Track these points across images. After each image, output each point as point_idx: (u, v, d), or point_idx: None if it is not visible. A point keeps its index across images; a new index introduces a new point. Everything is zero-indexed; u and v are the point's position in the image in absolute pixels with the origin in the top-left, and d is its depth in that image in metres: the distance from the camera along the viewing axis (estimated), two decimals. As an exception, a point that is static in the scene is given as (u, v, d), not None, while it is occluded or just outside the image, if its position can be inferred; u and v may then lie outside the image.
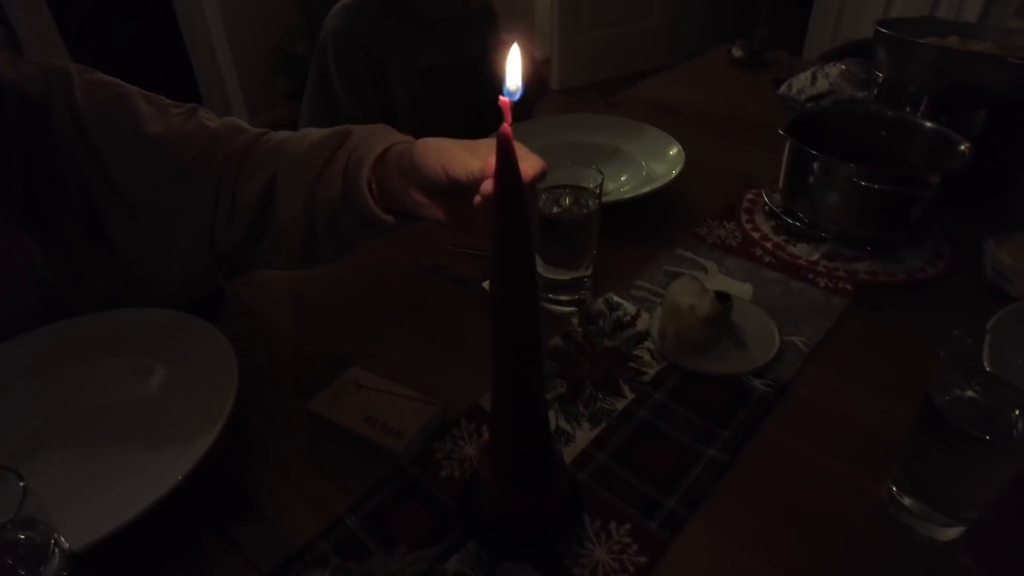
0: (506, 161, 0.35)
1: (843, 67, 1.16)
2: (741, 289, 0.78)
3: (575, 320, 0.74)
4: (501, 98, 0.36)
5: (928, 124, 0.87)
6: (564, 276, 0.74)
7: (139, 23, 3.12)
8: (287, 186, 0.63)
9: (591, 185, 0.72)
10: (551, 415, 0.62)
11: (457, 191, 0.50)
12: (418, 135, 1.16)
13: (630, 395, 0.64)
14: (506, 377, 0.43)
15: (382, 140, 0.59)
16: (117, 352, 0.66)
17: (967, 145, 0.81)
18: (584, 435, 0.60)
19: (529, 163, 0.47)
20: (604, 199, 0.72)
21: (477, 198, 0.47)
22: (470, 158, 0.49)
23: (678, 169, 0.93)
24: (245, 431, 0.63)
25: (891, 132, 0.92)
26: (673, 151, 0.98)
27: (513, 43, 0.39)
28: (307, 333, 0.76)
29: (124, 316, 0.69)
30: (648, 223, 0.92)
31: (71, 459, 0.58)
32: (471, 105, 1.19)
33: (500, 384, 0.44)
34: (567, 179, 0.74)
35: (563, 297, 0.76)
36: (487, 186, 0.46)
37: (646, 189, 0.89)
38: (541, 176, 0.47)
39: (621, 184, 0.97)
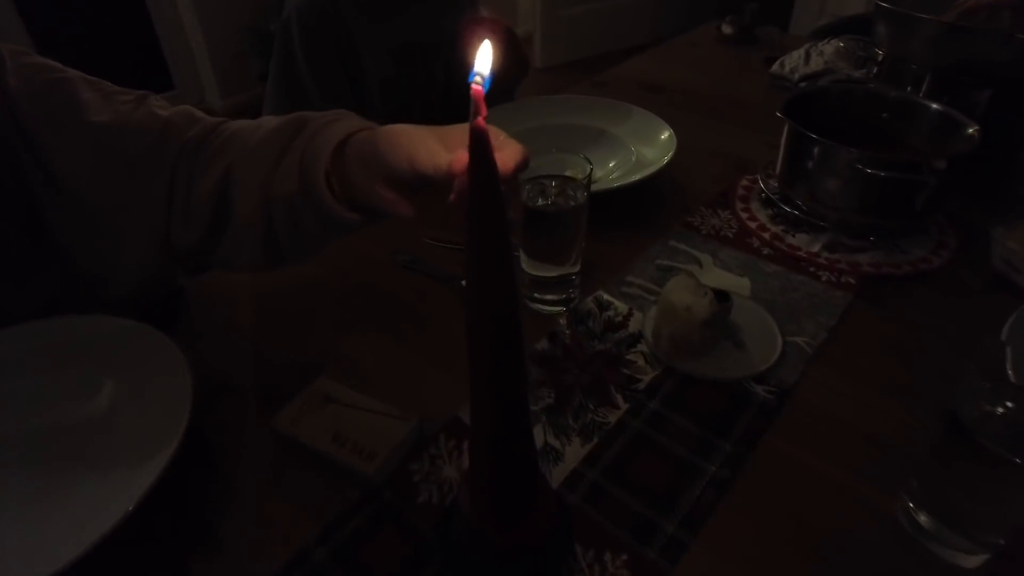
0: (481, 160, 0.29)
1: (840, 44, 1.11)
2: (738, 284, 0.74)
3: (562, 321, 0.69)
4: (473, 86, 0.30)
5: (933, 105, 0.82)
6: (550, 272, 0.69)
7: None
8: (242, 181, 0.57)
9: (579, 176, 0.66)
10: (538, 430, 0.57)
11: (427, 185, 0.44)
12: (391, 118, 1.08)
13: (623, 405, 0.59)
14: (486, 405, 0.38)
15: (342, 128, 0.53)
16: (60, 365, 0.60)
17: (975, 128, 0.77)
18: (574, 452, 0.55)
19: (508, 153, 0.41)
20: (592, 187, 0.66)
21: (451, 196, 0.41)
22: (439, 149, 0.43)
23: (670, 155, 0.87)
24: (202, 451, 0.57)
25: (893, 113, 0.87)
26: (664, 135, 0.93)
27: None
28: (272, 337, 0.70)
29: (69, 325, 0.63)
30: (638, 212, 0.87)
31: (5, 487, 0.52)
32: (448, 85, 1.12)
33: (479, 414, 0.39)
34: (552, 168, 0.68)
35: (549, 296, 0.70)
36: (460, 184, 0.40)
37: (636, 177, 0.84)
38: (523, 166, 0.41)
39: (610, 171, 0.92)
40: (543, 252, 0.69)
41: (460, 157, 0.40)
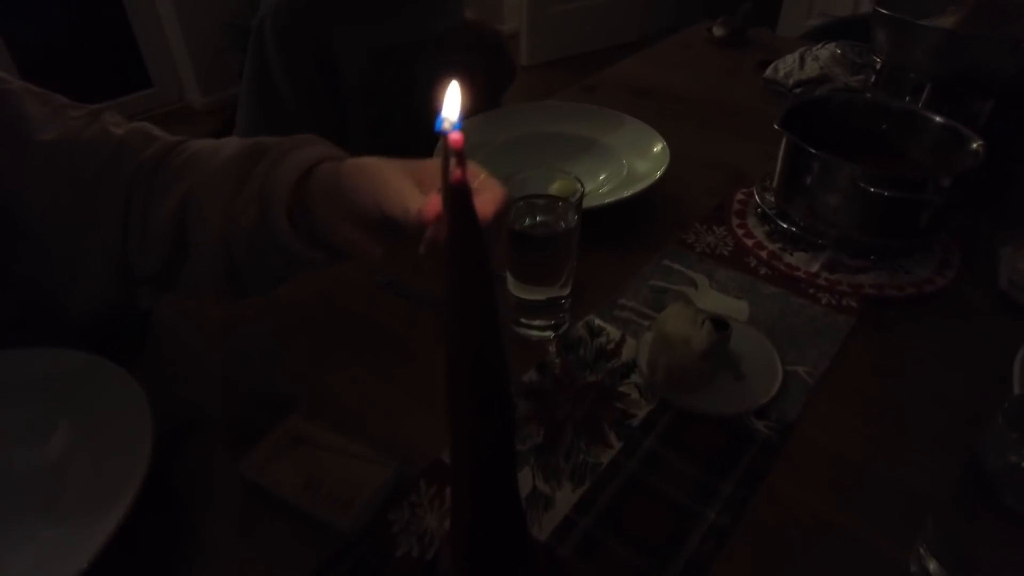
0: (463, 222, 0.25)
1: (838, 50, 1.07)
2: (736, 307, 0.70)
3: (552, 348, 0.65)
4: (450, 135, 0.26)
5: (937, 118, 0.79)
6: (539, 296, 0.65)
7: (77, -6, 2.89)
8: (200, 210, 0.52)
9: (569, 194, 0.62)
10: (526, 473, 0.53)
11: (396, 228, 0.40)
12: (372, 123, 1.04)
13: (617, 444, 0.56)
14: (468, 470, 0.34)
15: (304, 157, 0.48)
16: (7, 406, 0.55)
17: (979, 143, 0.74)
18: (565, 497, 0.52)
19: (486, 198, 0.37)
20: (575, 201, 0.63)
21: (421, 247, 0.37)
22: (410, 189, 0.39)
23: (663, 169, 0.83)
24: (165, 497, 0.53)
25: (894, 125, 0.84)
26: (657, 148, 0.89)
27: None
28: (241, 367, 0.65)
29: (16, 361, 0.58)
30: (630, 228, 0.83)
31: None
32: (433, 87, 1.08)
33: (462, 476, 0.35)
34: (541, 181, 0.65)
35: (537, 321, 0.66)
36: (433, 233, 0.36)
37: (628, 192, 0.80)
38: (503, 212, 0.38)
39: (600, 184, 0.88)
40: (531, 274, 0.65)
41: (432, 204, 0.36)
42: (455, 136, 0.25)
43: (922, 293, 0.72)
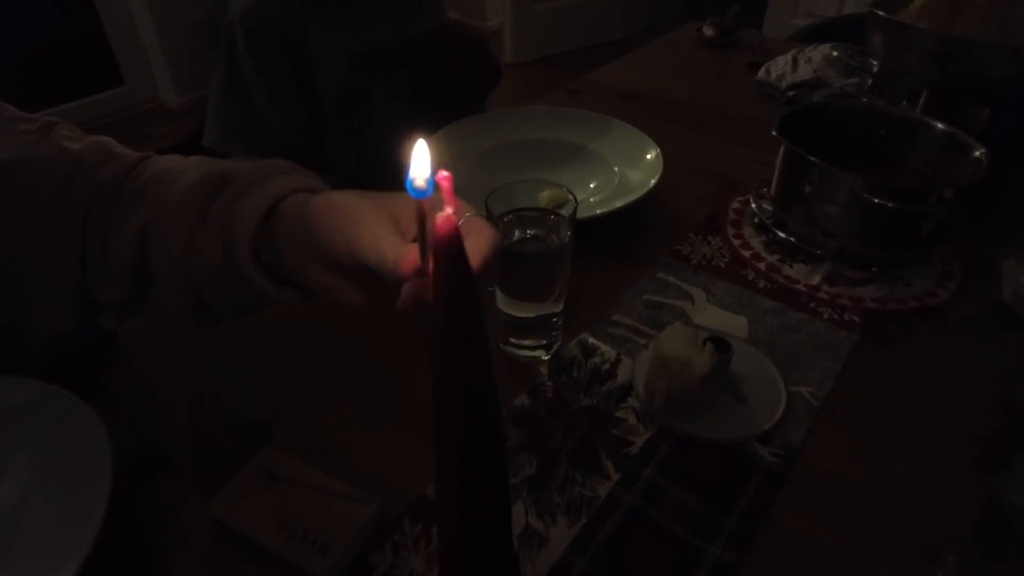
0: (455, 287, 0.21)
1: (833, 52, 1.05)
2: (735, 324, 0.67)
3: (543, 370, 0.62)
4: (440, 176, 0.22)
5: (939, 125, 0.77)
6: (529, 313, 0.62)
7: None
8: (162, 244, 0.48)
9: (562, 209, 0.59)
10: (519, 509, 0.50)
11: (373, 274, 0.36)
12: (352, 128, 1.00)
13: (614, 475, 0.52)
14: (457, 519, 0.31)
15: (269, 190, 0.43)
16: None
17: (982, 151, 0.72)
18: (560, 535, 0.48)
19: (473, 244, 0.33)
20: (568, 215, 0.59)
21: (400, 302, 0.33)
22: (385, 236, 0.35)
23: (656, 177, 0.80)
24: (128, 540, 0.49)
25: (892, 131, 0.81)
26: (651, 155, 0.86)
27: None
28: (210, 393, 0.61)
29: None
30: (622, 238, 0.80)
31: None
32: (415, 95, 1.04)
33: (449, 527, 0.32)
34: (530, 191, 0.61)
35: (528, 340, 0.63)
36: (411, 290, 0.32)
37: (621, 202, 0.77)
38: (493, 260, 0.34)
39: (591, 192, 0.84)
40: (522, 291, 0.61)
41: (410, 256, 0.31)
42: (444, 178, 0.22)
43: (925, 307, 0.69)
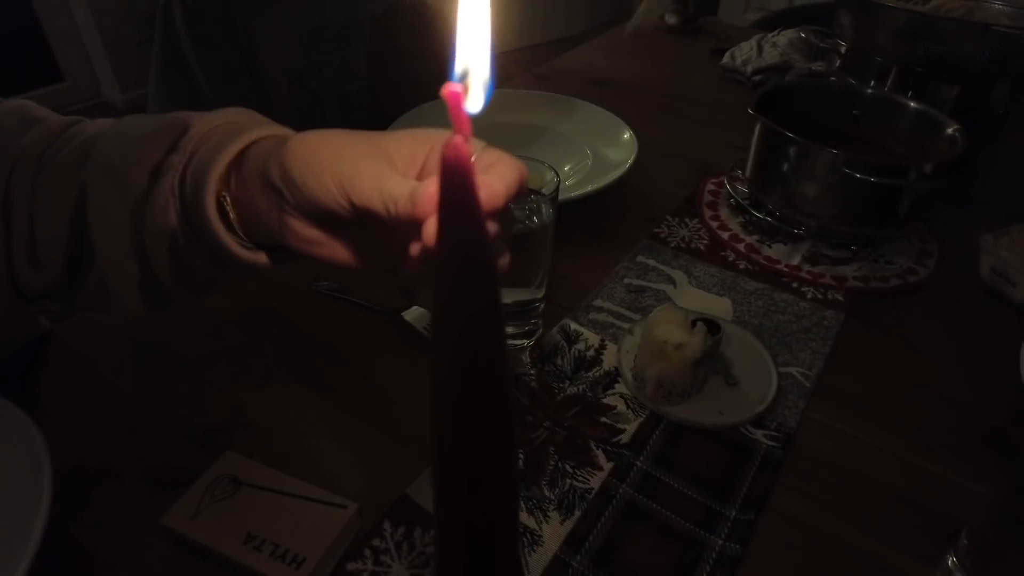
0: (458, 210, 0.18)
1: (801, 35, 1.04)
2: (720, 306, 0.65)
3: (526, 358, 0.59)
4: (448, 89, 0.18)
5: (912, 104, 0.76)
6: (509, 299, 0.58)
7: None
8: (101, 210, 0.42)
9: (542, 187, 0.56)
10: (508, 506, 0.46)
11: (367, 222, 0.31)
12: (302, 112, 0.94)
13: (606, 465, 0.49)
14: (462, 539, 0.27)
15: (236, 134, 0.37)
16: None
17: (956, 128, 0.71)
18: (554, 532, 0.45)
19: (496, 175, 0.28)
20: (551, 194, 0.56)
21: (414, 247, 0.28)
22: (386, 172, 0.30)
23: (633, 157, 0.78)
24: (70, 560, 0.44)
25: (866, 110, 0.81)
26: (625, 135, 0.83)
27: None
28: (163, 396, 0.56)
29: None
30: (598, 223, 0.77)
31: None
32: (372, 76, 0.98)
33: (447, 535, 0.28)
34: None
35: (509, 328, 0.60)
36: (431, 229, 0.27)
37: (599, 183, 0.74)
38: (521, 190, 0.29)
39: (566, 175, 0.81)
40: (502, 276, 0.58)
41: (429, 191, 0.27)
42: (454, 92, 0.18)
43: (906, 284, 0.68)
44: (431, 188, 0.27)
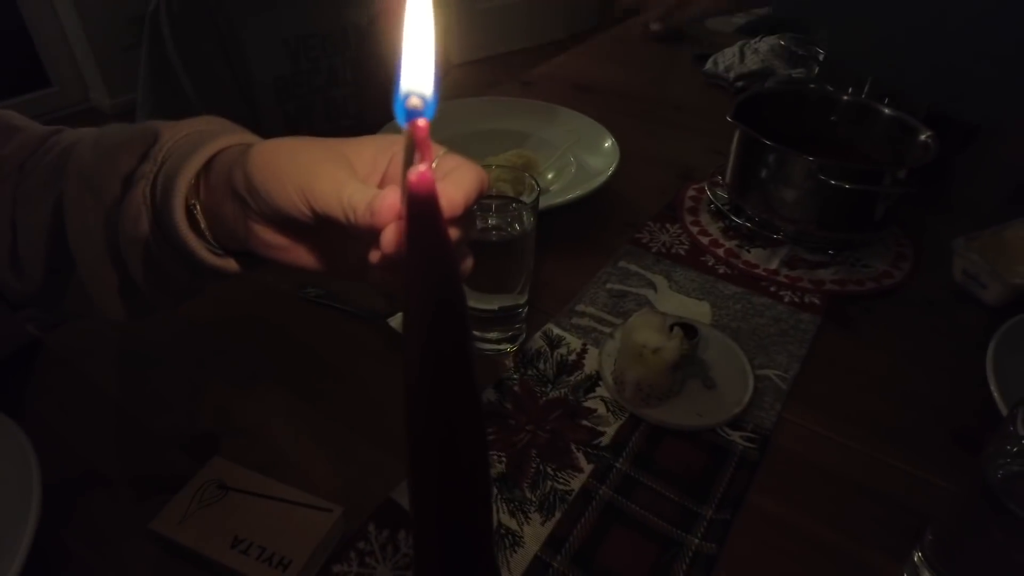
0: (425, 233, 0.19)
1: (780, 42, 1.06)
2: (698, 310, 0.66)
3: (509, 363, 0.60)
4: (415, 124, 0.20)
5: (887, 110, 0.78)
6: (492, 305, 0.59)
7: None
8: (78, 218, 0.42)
9: (524, 195, 0.57)
10: (490, 508, 0.48)
11: (331, 227, 0.31)
12: (290, 122, 0.95)
13: (587, 467, 0.51)
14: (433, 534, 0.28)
15: (205, 142, 0.38)
16: None
17: (928, 134, 0.73)
18: (535, 533, 0.46)
19: (454, 182, 0.29)
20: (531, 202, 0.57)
21: (375, 254, 0.30)
22: (345, 179, 0.30)
23: (615, 164, 0.79)
24: (61, 564, 0.44)
25: (842, 117, 0.82)
26: (607, 142, 0.85)
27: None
28: (150, 403, 0.57)
29: None
30: (580, 228, 0.79)
31: None
32: (358, 83, 0.99)
33: (423, 536, 0.29)
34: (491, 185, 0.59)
35: (492, 334, 0.61)
36: (390, 237, 0.28)
37: (580, 190, 0.75)
38: (480, 196, 0.30)
39: (548, 182, 0.83)
40: (485, 282, 0.59)
41: (390, 197, 0.27)
42: (419, 126, 0.19)
43: (881, 287, 0.70)
44: (390, 198, 0.28)
